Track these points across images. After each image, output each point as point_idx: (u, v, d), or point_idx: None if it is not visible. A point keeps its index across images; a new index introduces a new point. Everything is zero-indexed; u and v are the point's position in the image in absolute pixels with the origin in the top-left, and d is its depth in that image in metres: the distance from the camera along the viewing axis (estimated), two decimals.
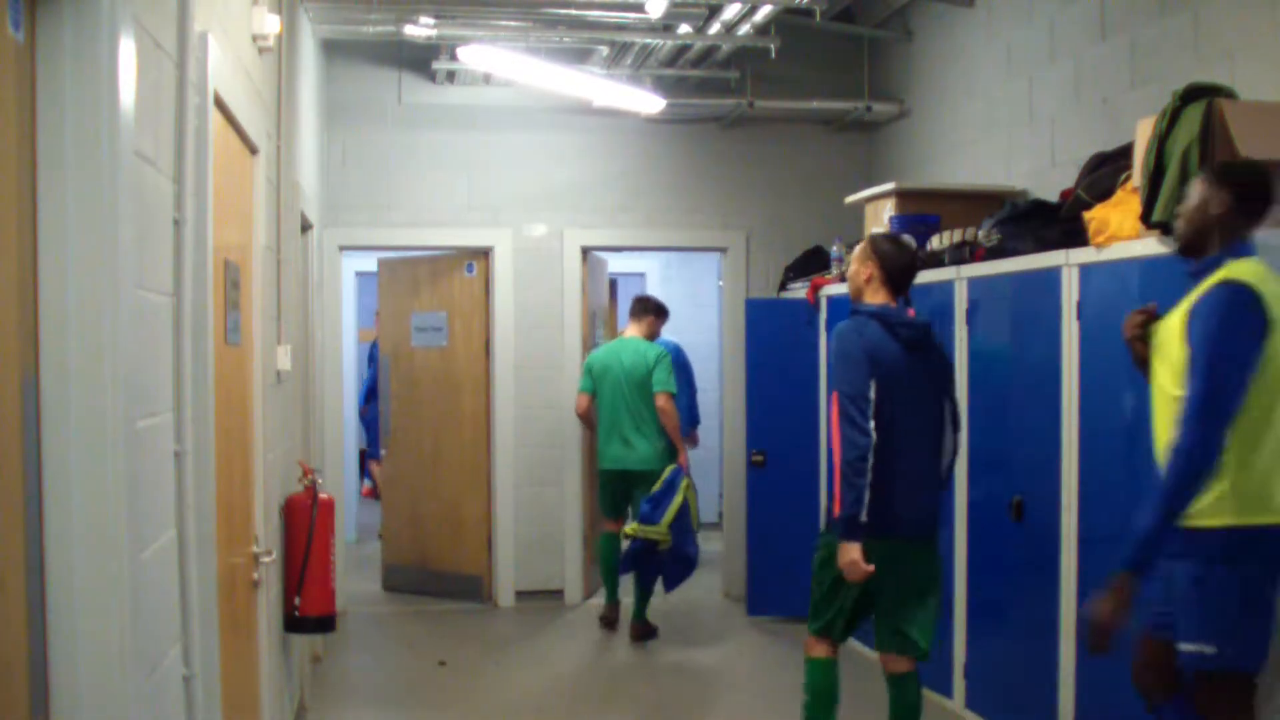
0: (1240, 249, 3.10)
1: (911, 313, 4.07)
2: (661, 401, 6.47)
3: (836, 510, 3.86)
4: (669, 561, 6.28)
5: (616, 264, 9.34)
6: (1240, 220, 3.10)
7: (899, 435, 3.86)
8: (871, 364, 3.84)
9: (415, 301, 7.70)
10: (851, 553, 3.82)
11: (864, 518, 3.78)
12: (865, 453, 3.75)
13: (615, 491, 6.65)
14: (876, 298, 4.06)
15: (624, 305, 8.31)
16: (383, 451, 7.94)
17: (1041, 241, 4.53)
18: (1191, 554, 3.01)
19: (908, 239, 4.25)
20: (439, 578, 7.54)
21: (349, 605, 7.15)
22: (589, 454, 7.46)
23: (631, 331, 6.82)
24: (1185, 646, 3.05)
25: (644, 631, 6.46)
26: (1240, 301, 2.95)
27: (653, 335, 6.83)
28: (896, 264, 4.08)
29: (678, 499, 6.21)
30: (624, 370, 6.58)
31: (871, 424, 3.78)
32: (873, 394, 3.81)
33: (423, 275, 7.69)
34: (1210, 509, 2.99)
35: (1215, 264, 3.09)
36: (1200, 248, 3.15)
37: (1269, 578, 3.00)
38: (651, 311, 6.85)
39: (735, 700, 5.55)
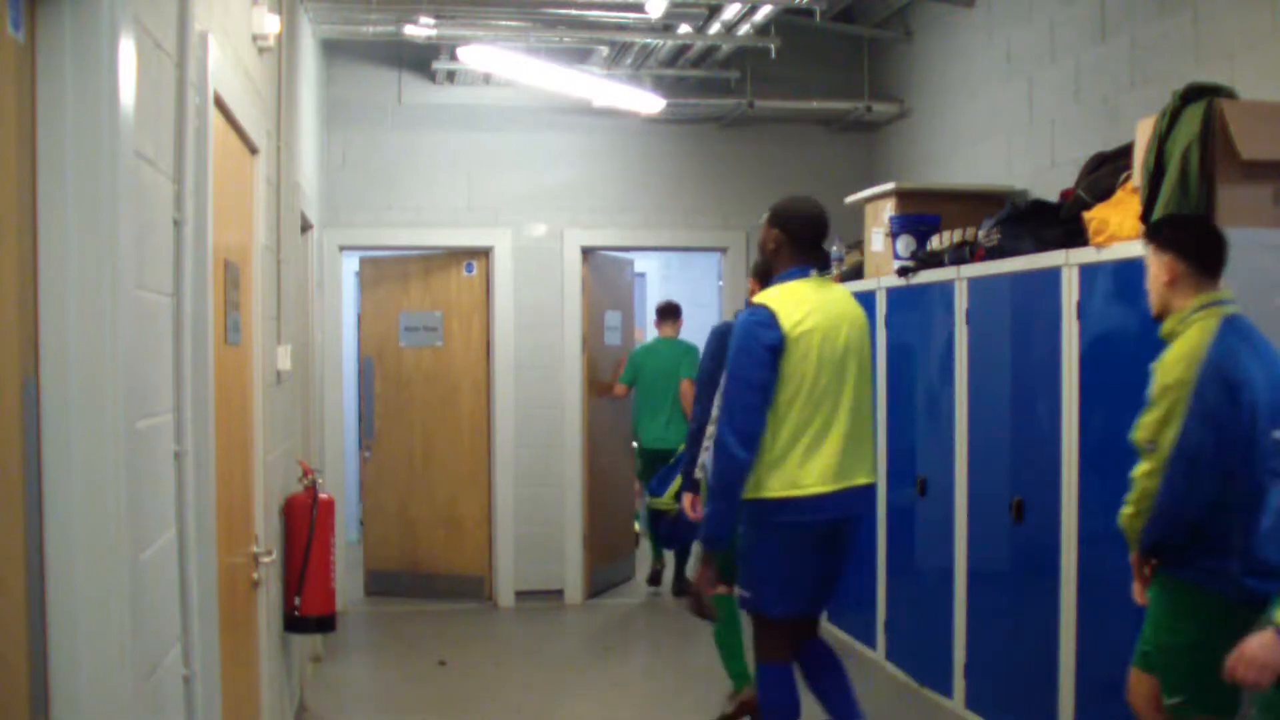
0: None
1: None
2: (684, 386, 7.30)
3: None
4: (676, 524, 6.68)
5: None
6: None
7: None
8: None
9: (405, 300, 7.64)
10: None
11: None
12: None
13: (653, 467, 7.03)
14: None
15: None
16: (365, 454, 7.80)
17: (1041, 241, 4.52)
18: (745, 520, 3.79)
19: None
20: (432, 580, 7.47)
21: (349, 605, 7.15)
22: (589, 454, 7.52)
23: (667, 331, 7.77)
24: (738, 591, 3.92)
25: (680, 589, 7.20)
26: (752, 321, 3.77)
27: (677, 333, 7.79)
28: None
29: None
30: (662, 364, 7.56)
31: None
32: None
33: (414, 274, 7.63)
34: (751, 486, 3.73)
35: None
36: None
37: (798, 540, 3.76)
38: (678, 315, 7.90)
39: None
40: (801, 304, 3.78)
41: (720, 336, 4.61)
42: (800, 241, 3.89)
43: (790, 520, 3.73)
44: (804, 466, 3.71)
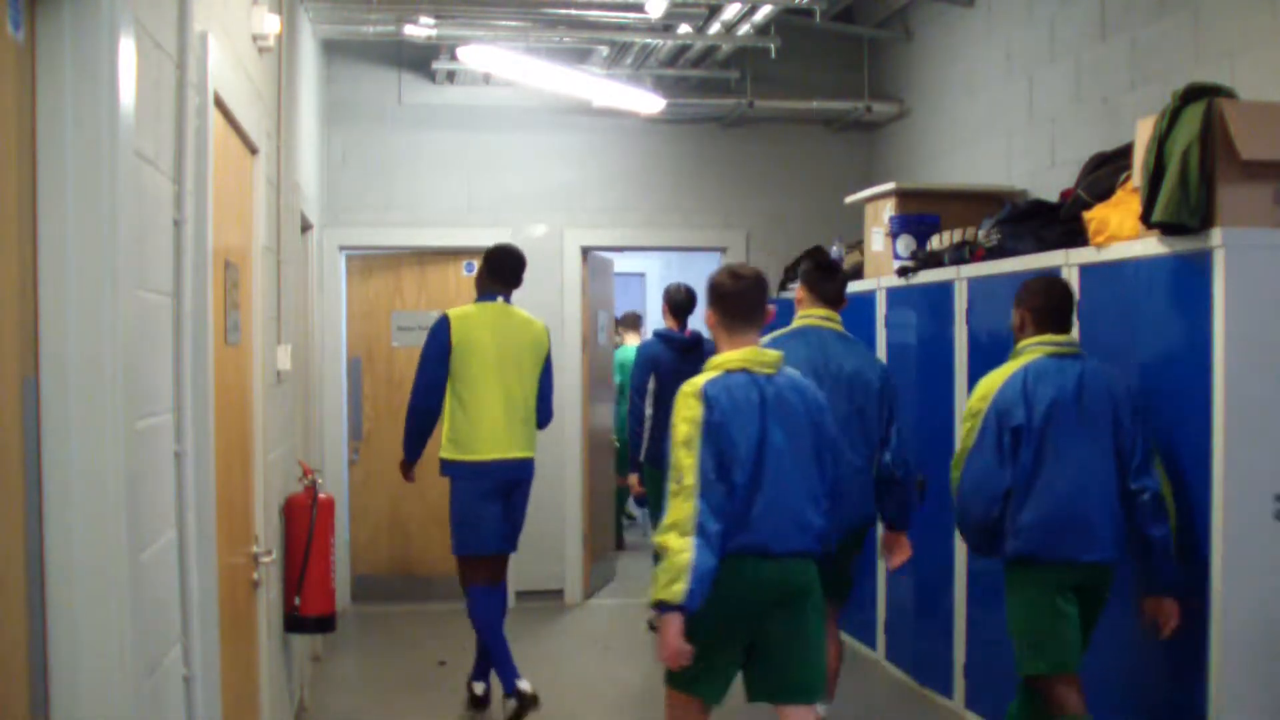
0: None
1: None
2: None
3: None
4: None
5: (617, 264, 9.33)
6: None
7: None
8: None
9: (398, 300, 7.56)
10: None
11: None
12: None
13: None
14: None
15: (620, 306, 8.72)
16: (353, 456, 7.65)
17: (1041, 241, 4.52)
18: (445, 476, 5.17)
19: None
20: (428, 584, 7.37)
21: (349, 605, 7.15)
22: (590, 454, 7.52)
23: (631, 339, 8.40)
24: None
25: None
26: (436, 328, 5.16)
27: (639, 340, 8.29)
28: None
29: None
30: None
31: None
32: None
33: (407, 273, 7.57)
34: (444, 448, 5.14)
35: None
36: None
37: (480, 493, 5.09)
38: (637, 324, 8.62)
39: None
40: (474, 318, 5.15)
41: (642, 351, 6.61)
42: (494, 275, 5.25)
43: (464, 476, 5.11)
44: (475, 439, 5.08)
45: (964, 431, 3.83)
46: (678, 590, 3.11)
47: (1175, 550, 3.60)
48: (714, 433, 3.25)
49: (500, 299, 5.21)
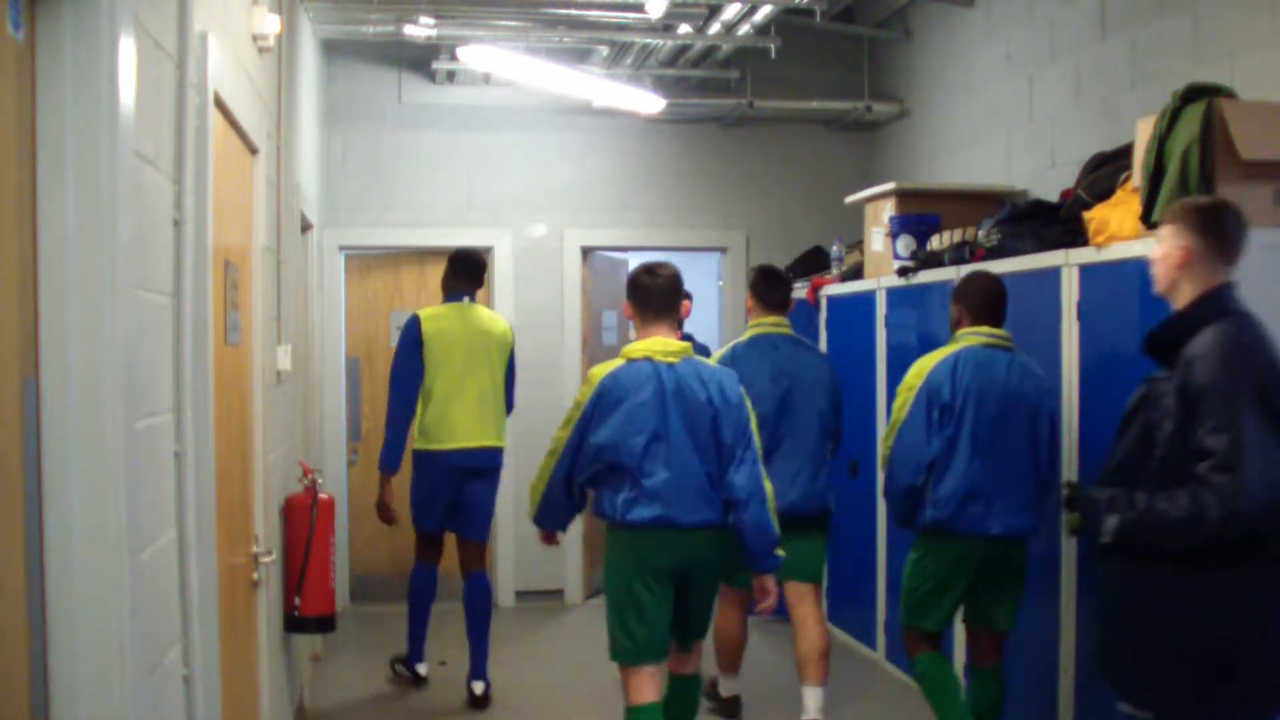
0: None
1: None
2: None
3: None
4: None
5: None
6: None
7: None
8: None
9: (397, 299, 7.56)
10: None
11: None
12: None
13: None
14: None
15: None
16: (352, 457, 7.62)
17: (1041, 241, 4.53)
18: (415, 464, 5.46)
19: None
20: None
21: (349, 605, 7.15)
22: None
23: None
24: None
25: None
26: (409, 326, 5.47)
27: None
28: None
29: None
30: None
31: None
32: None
33: (406, 272, 7.56)
34: (416, 440, 5.41)
35: None
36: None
37: (440, 473, 5.36)
38: None
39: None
40: (445, 317, 5.45)
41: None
42: (458, 276, 5.57)
43: (430, 459, 5.39)
44: (445, 429, 5.36)
45: (897, 405, 4.20)
46: (532, 513, 4.06)
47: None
48: (589, 417, 3.79)
49: (465, 299, 5.55)
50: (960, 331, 4.24)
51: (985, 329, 4.19)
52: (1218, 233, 2.98)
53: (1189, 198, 3.36)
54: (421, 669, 5.66)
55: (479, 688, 5.35)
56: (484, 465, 5.50)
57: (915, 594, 4.23)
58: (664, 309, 3.87)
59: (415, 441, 5.45)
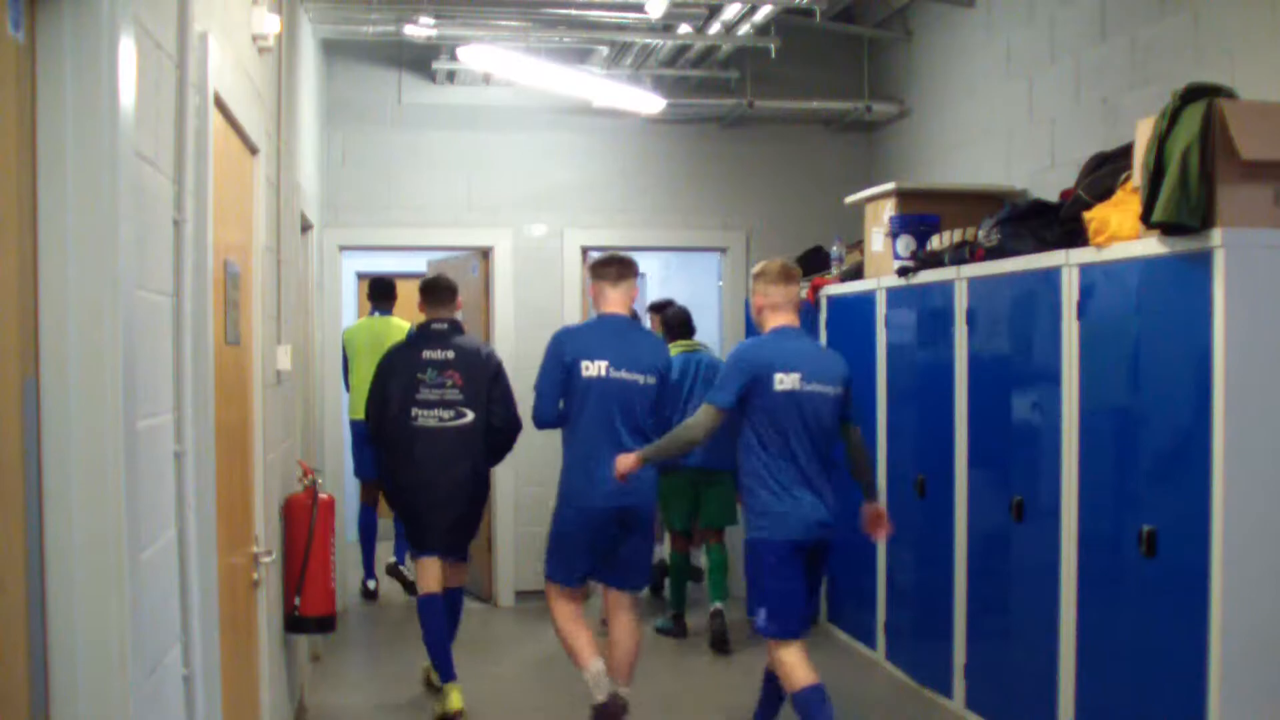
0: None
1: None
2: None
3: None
4: None
5: None
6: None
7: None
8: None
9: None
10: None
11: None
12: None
13: None
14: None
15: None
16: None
17: (1041, 241, 4.52)
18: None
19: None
20: None
21: (349, 605, 7.15)
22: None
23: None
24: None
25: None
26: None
27: None
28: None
29: None
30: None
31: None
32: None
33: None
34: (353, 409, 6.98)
35: None
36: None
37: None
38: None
39: (734, 701, 5.55)
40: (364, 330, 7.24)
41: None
42: (372, 297, 7.37)
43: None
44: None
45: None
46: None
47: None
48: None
49: (377, 313, 7.53)
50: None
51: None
52: None
53: None
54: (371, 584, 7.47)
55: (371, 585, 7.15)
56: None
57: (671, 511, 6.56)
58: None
59: (354, 413, 7.17)
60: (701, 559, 7.03)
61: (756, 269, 4.60)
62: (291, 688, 4.64)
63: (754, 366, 4.28)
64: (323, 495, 4.34)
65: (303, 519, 4.25)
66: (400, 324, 7.28)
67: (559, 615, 4.85)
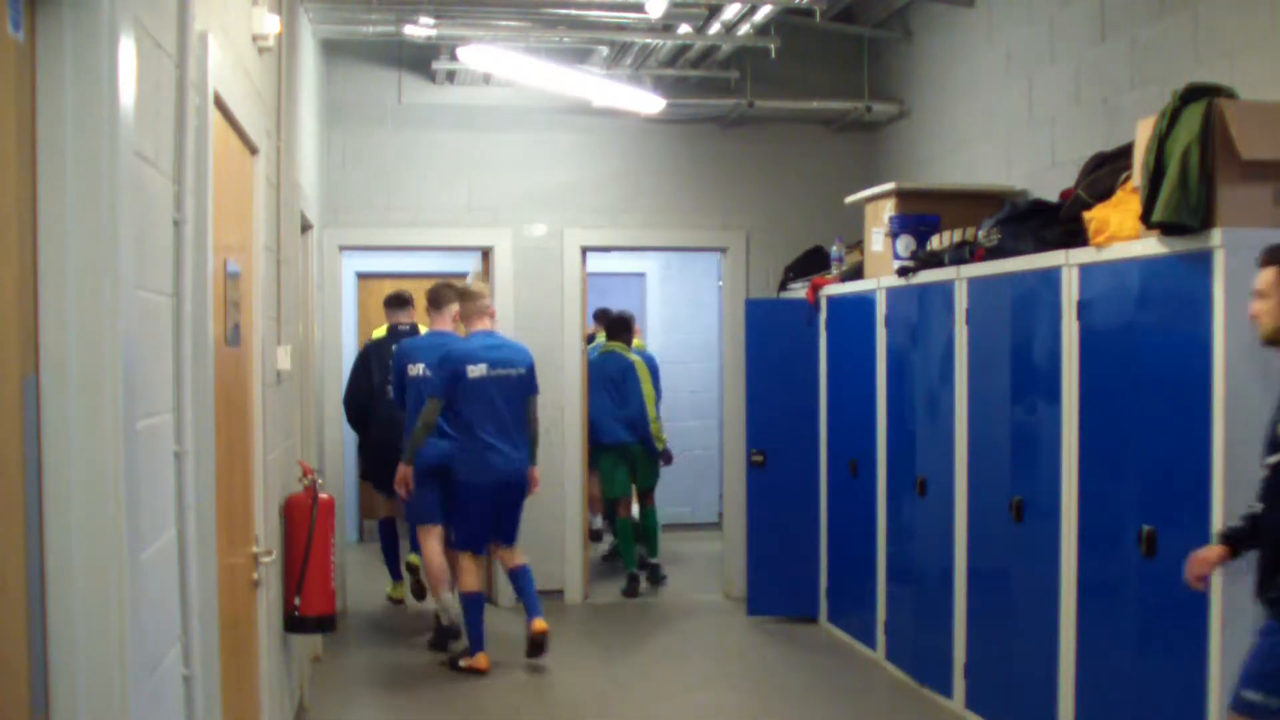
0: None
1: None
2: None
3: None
4: None
5: (617, 264, 9.34)
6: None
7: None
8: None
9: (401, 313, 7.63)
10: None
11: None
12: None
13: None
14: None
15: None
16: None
17: (1041, 241, 4.52)
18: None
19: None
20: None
21: (349, 605, 7.15)
22: (589, 454, 7.54)
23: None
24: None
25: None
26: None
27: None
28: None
29: None
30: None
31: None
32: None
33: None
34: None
35: None
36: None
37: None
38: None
39: (735, 701, 5.55)
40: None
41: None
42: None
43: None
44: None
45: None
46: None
47: None
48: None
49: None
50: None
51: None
52: None
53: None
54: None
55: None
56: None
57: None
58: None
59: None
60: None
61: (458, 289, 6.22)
62: (291, 688, 4.64)
63: (452, 363, 5.82)
64: (322, 495, 4.34)
65: (303, 519, 4.25)
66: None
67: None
